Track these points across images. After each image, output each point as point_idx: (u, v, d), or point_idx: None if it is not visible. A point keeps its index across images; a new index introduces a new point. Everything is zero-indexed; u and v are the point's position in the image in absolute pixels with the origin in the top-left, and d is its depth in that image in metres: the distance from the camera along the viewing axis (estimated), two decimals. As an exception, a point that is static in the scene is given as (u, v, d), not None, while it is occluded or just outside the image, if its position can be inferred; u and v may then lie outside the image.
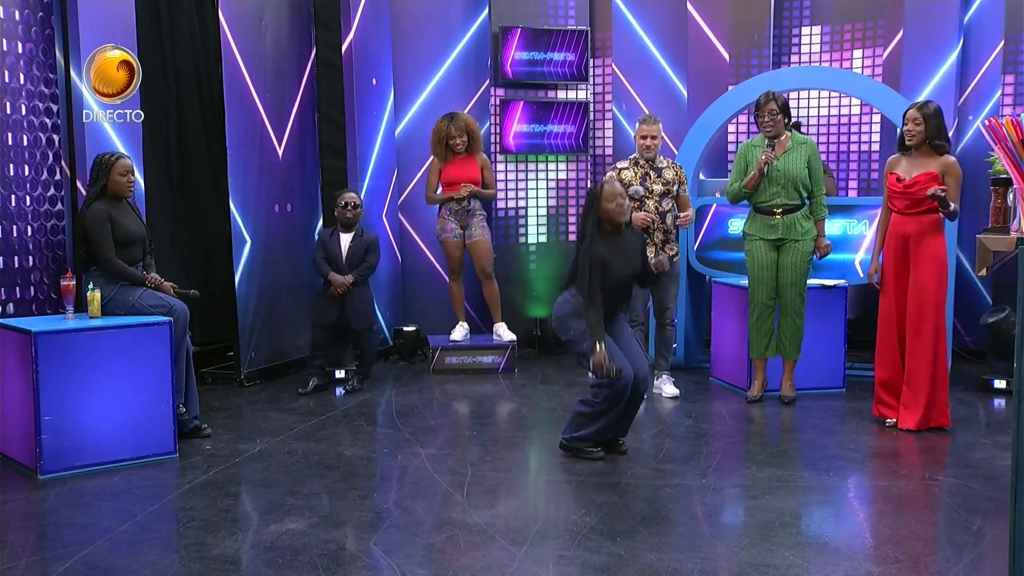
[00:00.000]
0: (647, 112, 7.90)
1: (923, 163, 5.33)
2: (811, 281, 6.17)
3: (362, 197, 6.99)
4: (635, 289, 6.31)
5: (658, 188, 6.19)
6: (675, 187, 6.24)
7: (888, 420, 5.54)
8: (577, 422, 4.96)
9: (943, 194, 5.10)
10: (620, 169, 6.27)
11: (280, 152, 6.98)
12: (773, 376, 6.23)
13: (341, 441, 5.34)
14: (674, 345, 6.61)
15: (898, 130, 5.66)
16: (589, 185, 8.43)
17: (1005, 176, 3.57)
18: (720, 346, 6.77)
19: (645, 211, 6.16)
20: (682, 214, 6.27)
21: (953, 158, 5.35)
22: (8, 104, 5.22)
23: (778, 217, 5.97)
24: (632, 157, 6.33)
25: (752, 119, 8.02)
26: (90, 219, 5.07)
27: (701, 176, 7.37)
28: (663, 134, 6.34)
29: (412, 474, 4.81)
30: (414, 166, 7.93)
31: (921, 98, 7.23)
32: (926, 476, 4.77)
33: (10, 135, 5.23)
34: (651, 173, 6.21)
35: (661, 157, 6.29)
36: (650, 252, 6.23)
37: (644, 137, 6.19)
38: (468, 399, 6.53)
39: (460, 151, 7.14)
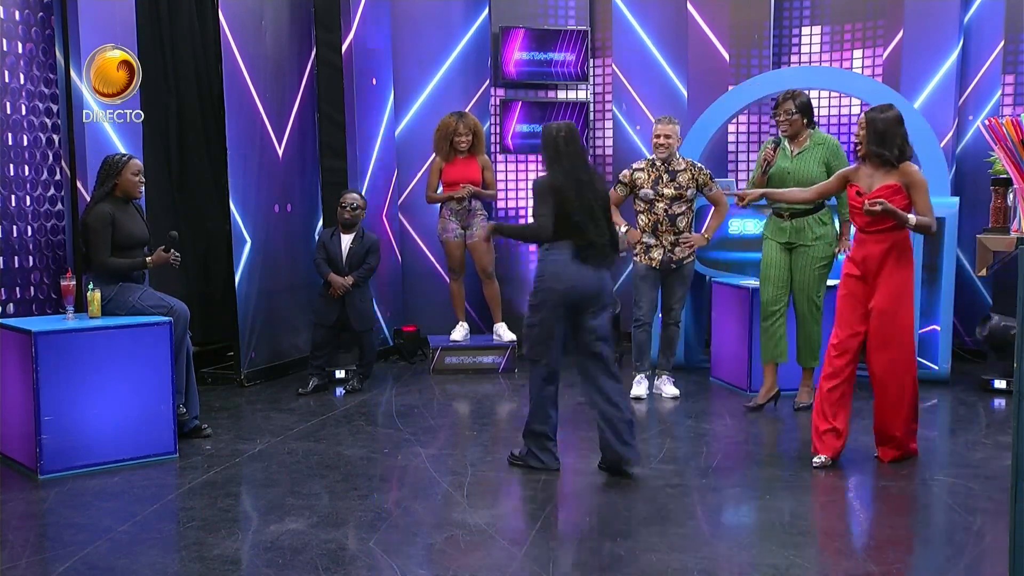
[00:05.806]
0: (648, 112, 7.90)
1: (883, 174, 4.65)
2: None
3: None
4: (643, 288, 6.31)
5: (669, 192, 6.13)
6: (688, 191, 6.14)
7: (819, 458, 4.75)
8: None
9: (879, 208, 4.48)
10: (635, 170, 6.23)
11: (280, 152, 6.98)
12: (786, 378, 5.98)
13: (341, 441, 5.34)
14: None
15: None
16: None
17: (1005, 176, 3.58)
18: (720, 346, 6.76)
19: (654, 214, 6.16)
20: (691, 239, 6.17)
21: (914, 166, 4.72)
22: (8, 104, 5.21)
23: (786, 220, 5.77)
24: (649, 159, 6.28)
25: (751, 119, 8.05)
26: (93, 219, 5.07)
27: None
28: (678, 135, 6.22)
29: (412, 474, 4.81)
30: (414, 166, 7.93)
31: (921, 99, 7.24)
32: (926, 476, 4.76)
33: (10, 135, 5.23)
34: (664, 176, 6.15)
35: (679, 158, 6.19)
36: (658, 254, 6.23)
37: (657, 136, 6.13)
38: (468, 399, 6.53)
39: (463, 150, 7.12)
